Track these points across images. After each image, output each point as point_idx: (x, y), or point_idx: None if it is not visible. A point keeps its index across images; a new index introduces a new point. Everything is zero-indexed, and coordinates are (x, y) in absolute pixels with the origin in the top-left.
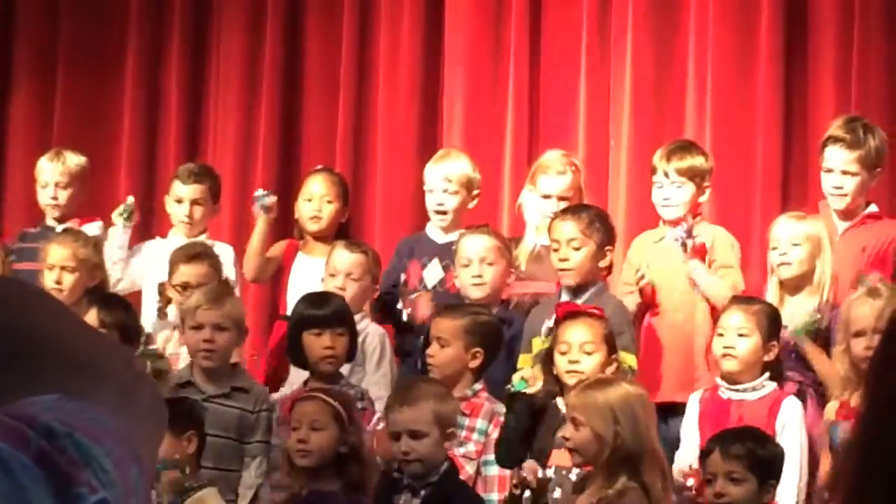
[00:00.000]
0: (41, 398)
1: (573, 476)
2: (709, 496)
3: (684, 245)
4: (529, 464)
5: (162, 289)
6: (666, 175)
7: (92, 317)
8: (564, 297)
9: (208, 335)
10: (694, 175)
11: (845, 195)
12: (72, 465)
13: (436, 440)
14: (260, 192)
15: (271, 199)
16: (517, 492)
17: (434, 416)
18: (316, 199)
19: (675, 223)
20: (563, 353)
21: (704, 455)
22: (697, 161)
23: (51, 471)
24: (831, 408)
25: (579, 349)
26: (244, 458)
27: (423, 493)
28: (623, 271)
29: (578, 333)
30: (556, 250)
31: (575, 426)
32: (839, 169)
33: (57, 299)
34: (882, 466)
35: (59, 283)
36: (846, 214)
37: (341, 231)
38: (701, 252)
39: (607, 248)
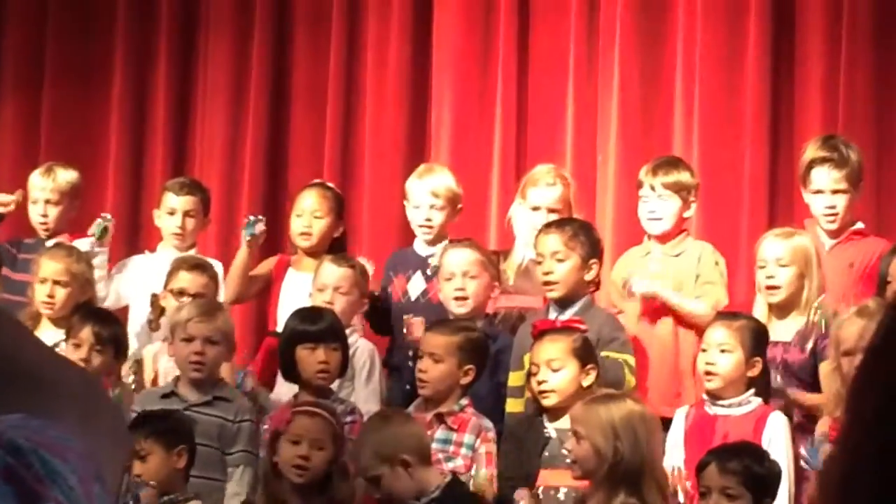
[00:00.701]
0: (6, 416)
1: (561, 496)
2: None
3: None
4: (520, 493)
5: (155, 300)
6: (652, 189)
7: (87, 332)
8: (552, 312)
9: (199, 347)
10: (680, 189)
11: (837, 214)
12: (38, 481)
13: (389, 478)
14: (251, 218)
15: (260, 228)
16: None
17: (375, 455)
18: (306, 215)
19: (661, 239)
20: (533, 375)
21: (700, 468)
22: (683, 176)
23: (17, 487)
24: (823, 423)
25: (546, 367)
26: (227, 469)
27: None
28: (612, 286)
29: (545, 351)
30: (539, 263)
31: (577, 439)
32: (829, 189)
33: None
34: (867, 471)
35: (51, 296)
36: (836, 233)
37: (336, 246)
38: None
39: (592, 261)
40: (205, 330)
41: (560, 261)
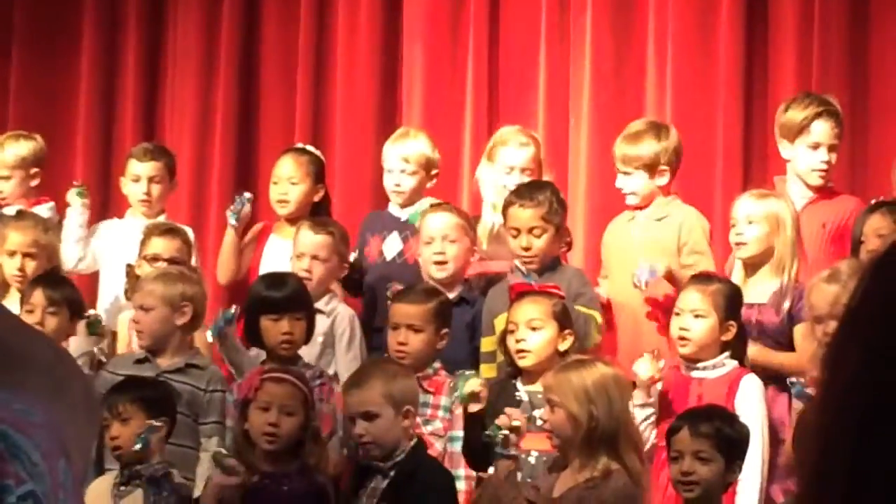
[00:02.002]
0: None
1: (532, 460)
2: (675, 474)
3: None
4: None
5: (130, 270)
6: (620, 164)
7: (39, 296)
8: (520, 276)
9: (135, 317)
10: (641, 164)
11: (828, 170)
12: None
13: (389, 420)
14: (237, 199)
15: (247, 210)
16: (497, 434)
17: (384, 396)
18: (282, 182)
19: (640, 206)
20: (511, 332)
21: (672, 432)
22: (644, 149)
23: None
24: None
25: (525, 326)
26: (199, 438)
27: (391, 473)
28: (602, 267)
29: (525, 311)
30: (515, 237)
31: (551, 407)
32: (828, 143)
33: None
34: (846, 429)
35: (21, 270)
36: (819, 189)
37: (318, 210)
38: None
39: (566, 228)
40: (136, 298)
41: (538, 236)
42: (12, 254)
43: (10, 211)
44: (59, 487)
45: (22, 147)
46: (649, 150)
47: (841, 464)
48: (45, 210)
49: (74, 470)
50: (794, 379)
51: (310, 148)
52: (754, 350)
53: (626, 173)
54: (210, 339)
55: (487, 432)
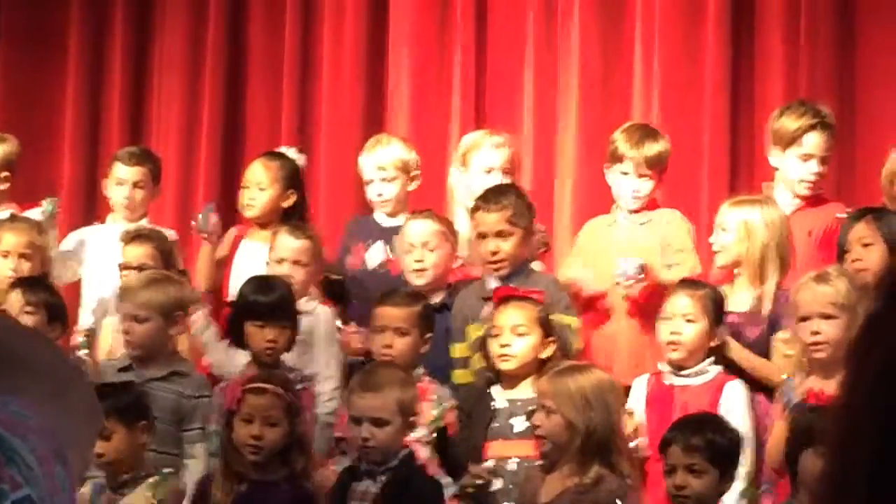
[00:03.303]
0: None
1: (513, 466)
2: (669, 488)
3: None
4: (475, 469)
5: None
6: (635, 165)
7: (16, 299)
8: (495, 282)
9: (124, 326)
10: (659, 163)
11: (817, 182)
12: None
13: (398, 428)
14: (201, 213)
15: (213, 221)
16: (469, 490)
17: (398, 405)
18: (251, 187)
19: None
20: (494, 337)
21: (664, 446)
22: (662, 146)
23: None
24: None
25: (511, 332)
26: (184, 445)
27: (381, 479)
28: (572, 256)
29: (510, 316)
30: (483, 238)
31: (546, 413)
32: (820, 154)
33: None
34: (867, 433)
35: (14, 270)
36: (808, 199)
37: (292, 214)
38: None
39: (533, 227)
40: (127, 307)
41: (505, 238)
42: (6, 255)
43: (3, 214)
44: (57, 492)
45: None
46: (665, 152)
47: (862, 469)
48: (37, 214)
49: (71, 473)
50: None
51: (287, 152)
52: (735, 352)
53: (643, 175)
54: (202, 236)
55: (461, 482)
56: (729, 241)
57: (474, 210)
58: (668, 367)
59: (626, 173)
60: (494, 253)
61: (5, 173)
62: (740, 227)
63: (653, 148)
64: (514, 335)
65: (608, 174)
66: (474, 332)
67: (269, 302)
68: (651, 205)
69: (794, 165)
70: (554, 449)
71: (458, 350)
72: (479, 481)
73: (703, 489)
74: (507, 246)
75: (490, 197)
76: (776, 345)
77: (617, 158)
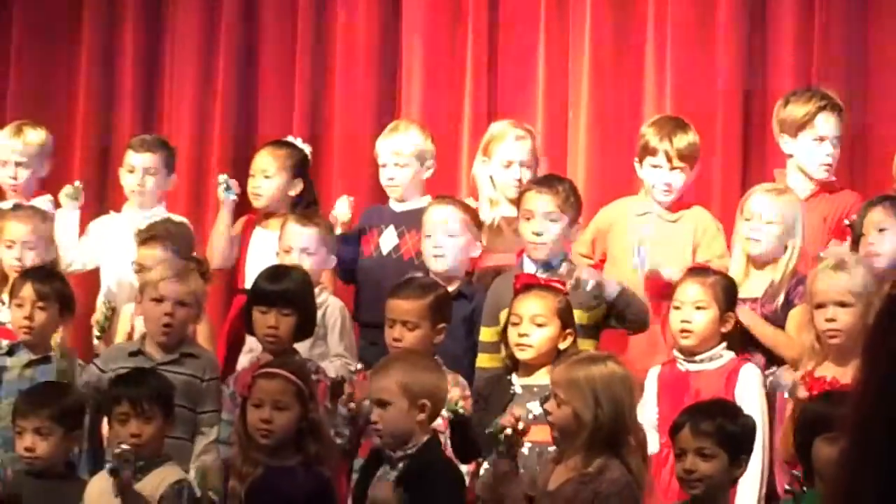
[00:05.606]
0: None
1: (525, 450)
2: (679, 472)
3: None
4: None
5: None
6: (668, 158)
7: (28, 290)
8: (531, 267)
9: (169, 309)
10: (693, 154)
11: (832, 165)
12: None
13: (401, 411)
14: (228, 182)
15: (236, 192)
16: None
17: (399, 386)
18: (258, 175)
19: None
20: (514, 325)
21: (674, 430)
22: (693, 137)
23: None
24: (786, 371)
25: (530, 321)
26: (197, 427)
27: (400, 465)
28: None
29: (530, 306)
30: (528, 219)
31: (557, 403)
32: (833, 136)
33: None
34: (880, 430)
35: (19, 259)
36: (821, 182)
37: (302, 202)
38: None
39: (579, 222)
40: (176, 292)
41: (553, 221)
42: (11, 245)
43: (7, 204)
44: None
45: (40, 135)
46: (695, 143)
47: (876, 452)
48: (44, 203)
49: None
50: (778, 378)
51: (294, 141)
52: (747, 315)
53: (676, 168)
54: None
55: (490, 429)
56: (775, 232)
57: (525, 191)
58: (681, 355)
59: (657, 166)
60: (538, 234)
61: (45, 163)
62: (788, 220)
63: (683, 139)
64: (533, 325)
65: (639, 168)
66: (504, 316)
67: (273, 289)
68: (682, 203)
69: (809, 149)
70: (563, 438)
71: (488, 334)
72: (520, 426)
73: (713, 472)
74: (553, 229)
75: (544, 181)
76: (792, 322)
77: (649, 151)
